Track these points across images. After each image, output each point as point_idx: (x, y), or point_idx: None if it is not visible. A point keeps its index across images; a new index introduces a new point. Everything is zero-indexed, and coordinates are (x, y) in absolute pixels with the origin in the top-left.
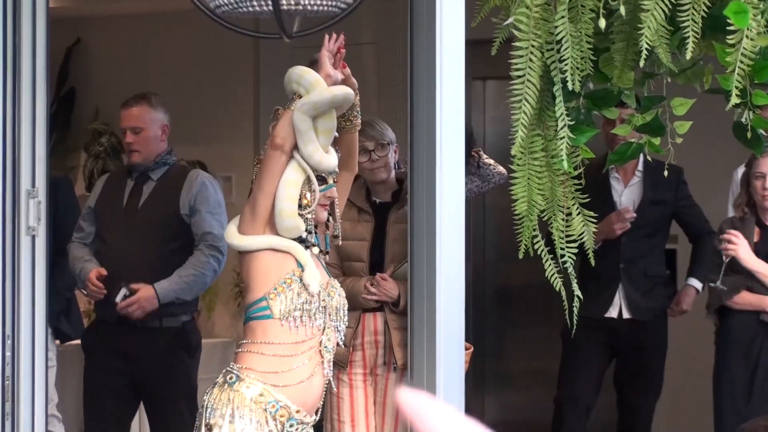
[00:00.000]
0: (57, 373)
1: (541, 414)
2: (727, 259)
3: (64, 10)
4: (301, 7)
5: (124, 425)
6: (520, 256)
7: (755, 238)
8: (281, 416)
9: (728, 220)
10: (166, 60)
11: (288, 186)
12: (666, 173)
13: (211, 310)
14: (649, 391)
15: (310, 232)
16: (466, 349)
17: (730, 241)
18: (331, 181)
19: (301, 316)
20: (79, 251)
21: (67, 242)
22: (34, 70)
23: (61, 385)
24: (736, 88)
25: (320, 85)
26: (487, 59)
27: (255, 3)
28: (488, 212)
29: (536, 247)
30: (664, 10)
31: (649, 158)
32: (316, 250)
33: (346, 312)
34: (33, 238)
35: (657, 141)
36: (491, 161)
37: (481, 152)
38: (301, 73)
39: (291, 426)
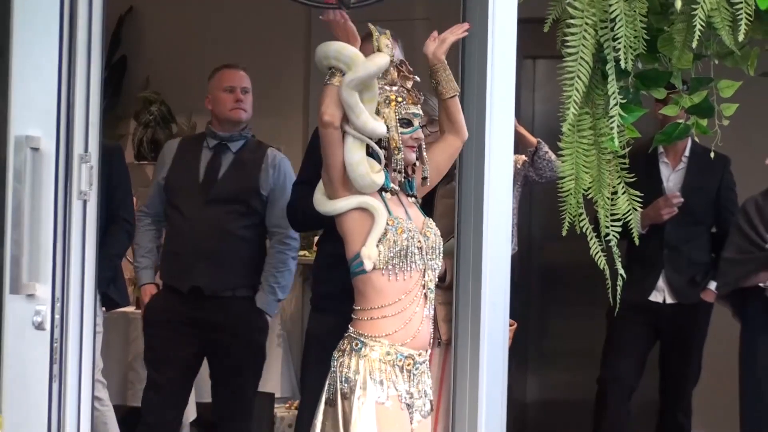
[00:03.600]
0: (102, 339)
1: (584, 394)
2: None
3: None
4: None
5: (187, 394)
6: (564, 233)
7: None
8: (408, 365)
9: (751, 199)
10: (217, 30)
11: (356, 166)
12: (712, 157)
13: None
14: (691, 375)
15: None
16: (510, 325)
17: None
18: (416, 124)
19: (399, 263)
20: (142, 236)
21: (118, 209)
22: (90, 35)
23: (105, 352)
24: None
25: (359, 58)
26: (538, 38)
27: None
28: (535, 190)
29: (581, 225)
30: None
31: (696, 139)
32: (388, 195)
33: (442, 250)
34: (84, 202)
35: (704, 122)
36: (550, 158)
37: (542, 144)
38: (338, 48)
39: (416, 369)
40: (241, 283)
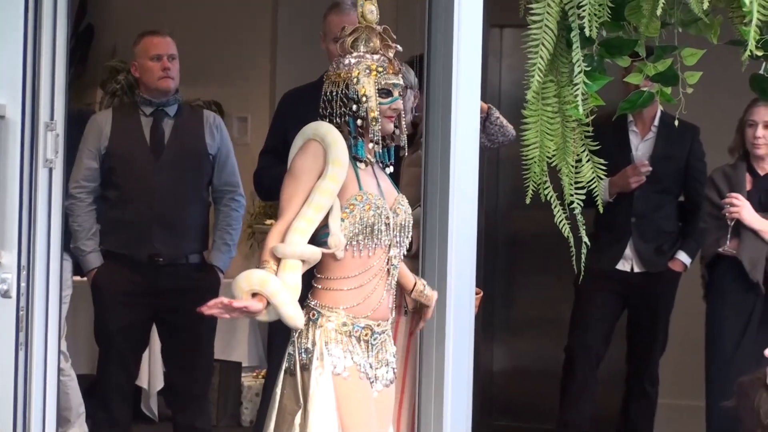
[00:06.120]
0: (68, 311)
1: (551, 362)
2: (732, 223)
3: None
4: None
5: (138, 361)
6: (528, 201)
7: (747, 187)
8: (365, 335)
9: (719, 169)
10: None
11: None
12: (678, 126)
13: None
14: (657, 343)
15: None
16: (476, 293)
17: (732, 204)
18: (396, 94)
19: (364, 240)
20: (86, 216)
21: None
22: (55, 3)
23: (73, 321)
24: (755, 39)
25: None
26: (504, 7)
27: None
28: (502, 159)
29: (545, 193)
30: None
31: (661, 108)
32: (362, 166)
33: (411, 227)
34: (50, 170)
35: (668, 90)
36: (502, 122)
37: (493, 109)
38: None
39: (375, 339)
40: (194, 248)
